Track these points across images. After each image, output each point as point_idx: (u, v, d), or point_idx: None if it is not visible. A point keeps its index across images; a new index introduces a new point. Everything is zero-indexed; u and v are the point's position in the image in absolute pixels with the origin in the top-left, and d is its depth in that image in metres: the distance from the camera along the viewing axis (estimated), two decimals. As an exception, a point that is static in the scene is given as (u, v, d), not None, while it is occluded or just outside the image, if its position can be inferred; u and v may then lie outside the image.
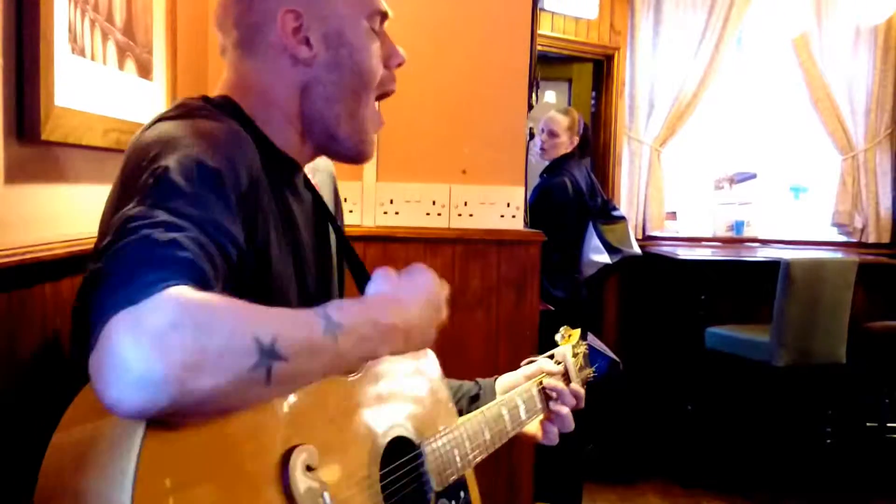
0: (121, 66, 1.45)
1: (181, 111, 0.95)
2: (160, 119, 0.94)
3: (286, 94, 1.04)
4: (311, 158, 1.11)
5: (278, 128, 1.04)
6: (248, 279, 0.86)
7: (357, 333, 0.82)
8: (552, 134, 3.65)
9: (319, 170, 1.21)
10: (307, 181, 1.13)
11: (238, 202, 0.85)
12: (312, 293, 1.07)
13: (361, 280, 1.19)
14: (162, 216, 0.75)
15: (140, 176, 0.82)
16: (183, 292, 0.69)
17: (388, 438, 1.03)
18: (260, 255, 0.92)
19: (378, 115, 1.11)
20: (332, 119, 1.06)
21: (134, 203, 0.78)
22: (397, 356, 1.13)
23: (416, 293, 0.93)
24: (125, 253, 0.72)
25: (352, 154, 1.09)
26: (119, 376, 0.64)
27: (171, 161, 0.81)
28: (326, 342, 0.78)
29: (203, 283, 0.73)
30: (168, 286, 0.69)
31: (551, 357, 1.44)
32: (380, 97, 1.11)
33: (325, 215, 1.15)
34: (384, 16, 1.09)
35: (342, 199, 1.32)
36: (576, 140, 3.70)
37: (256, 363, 0.70)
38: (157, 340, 0.65)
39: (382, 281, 0.93)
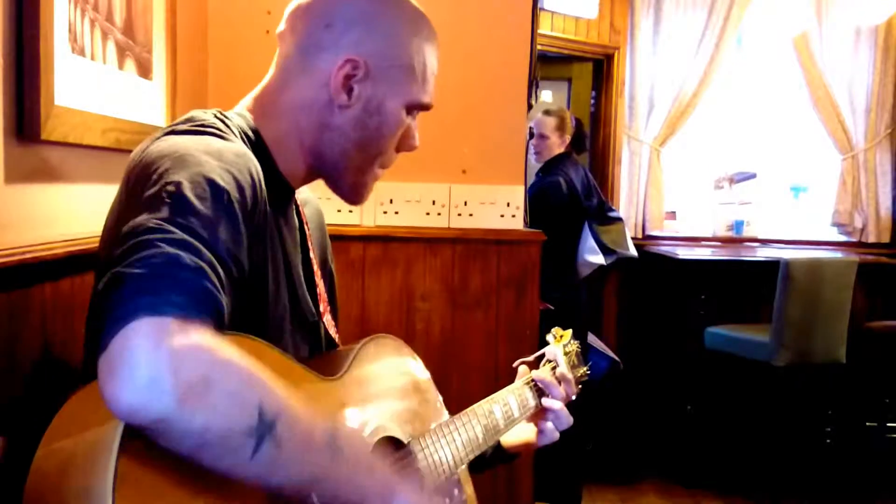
0: (120, 65, 1.45)
1: (191, 126, 0.95)
2: (170, 132, 0.94)
3: (308, 123, 1.05)
4: (306, 182, 1.13)
5: (288, 150, 1.05)
6: (244, 296, 0.87)
7: (350, 469, 0.81)
8: (541, 136, 3.64)
9: (309, 202, 1.23)
10: (297, 208, 1.15)
11: (243, 222, 0.86)
12: (306, 314, 1.08)
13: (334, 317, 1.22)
14: (181, 234, 0.76)
15: (150, 187, 0.82)
16: (208, 335, 0.70)
17: (376, 438, 1.03)
18: (256, 272, 0.93)
19: (380, 174, 1.13)
20: (340, 165, 1.08)
21: (148, 214, 0.78)
22: (382, 357, 1.13)
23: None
24: (151, 264, 0.72)
25: (346, 197, 1.12)
26: (128, 374, 0.66)
27: (182, 177, 0.82)
28: (323, 451, 0.78)
29: (219, 315, 0.74)
30: (194, 318, 0.70)
31: (542, 357, 1.45)
32: (381, 167, 1.13)
33: (305, 244, 1.16)
34: (424, 109, 1.11)
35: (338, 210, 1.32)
36: (567, 139, 3.69)
37: (252, 428, 0.70)
38: (175, 357, 0.67)
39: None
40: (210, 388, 0.68)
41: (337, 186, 1.11)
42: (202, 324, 0.71)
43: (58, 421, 0.80)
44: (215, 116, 1.00)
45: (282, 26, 1.08)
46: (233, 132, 0.99)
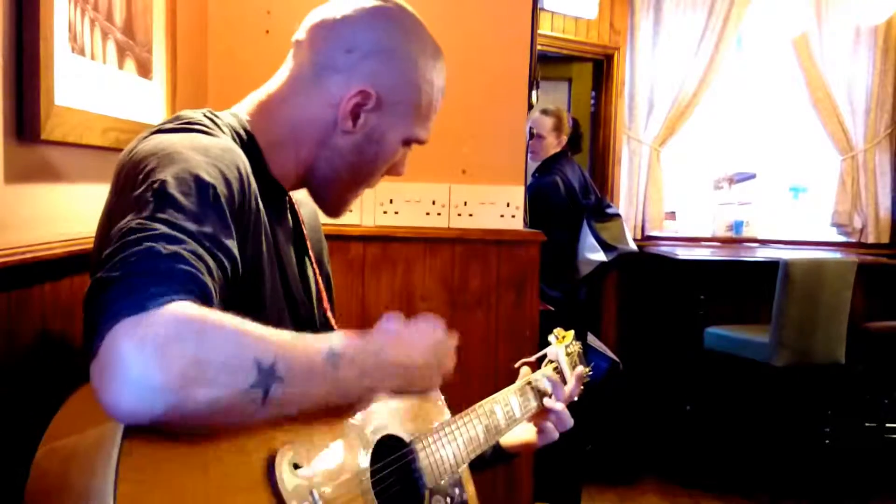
0: (120, 65, 1.45)
1: (178, 124, 0.96)
2: (157, 131, 0.95)
3: (308, 137, 1.06)
4: (297, 188, 1.14)
5: (282, 156, 1.06)
6: (241, 292, 0.87)
7: (358, 365, 0.85)
8: (538, 136, 3.64)
9: (304, 203, 1.23)
10: (291, 206, 1.16)
11: (231, 217, 0.86)
12: (301, 311, 1.09)
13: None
14: (162, 229, 0.76)
15: (136, 188, 0.83)
16: (187, 308, 0.71)
17: (378, 436, 1.04)
18: (250, 267, 0.94)
19: (361, 193, 1.15)
20: (329, 182, 1.10)
21: (133, 215, 0.79)
22: None
23: (421, 338, 0.98)
24: (129, 263, 0.73)
25: (326, 211, 1.15)
26: (119, 380, 0.66)
27: (167, 175, 0.82)
28: (327, 369, 0.80)
29: (204, 297, 0.75)
30: (173, 300, 0.70)
31: (543, 357, 1.45)
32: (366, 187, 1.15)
33: (303, 243, 1.17)
34: (420, 143, 1.13)
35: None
36: (564, 139, 3.69)
37: (255, 382, 0.72)
38: (160, 349, 0.67)
39: (390, 323, 0.97)
40: (203, 366, 0.69)
41: (320, 199, 1.13)
42: (180, 301, 0.71)
43: (58, 420, 0.80)
44: (204, 115, 1.01)
45: (301, 35, 1.08)
46: (221, 130, 0.99)
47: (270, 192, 1.04)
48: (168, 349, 0.67)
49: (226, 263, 0.81)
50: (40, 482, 0.77)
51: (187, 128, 0.95)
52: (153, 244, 0.74)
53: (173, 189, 0.81)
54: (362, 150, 1.07)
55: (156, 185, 0.81)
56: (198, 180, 0.83)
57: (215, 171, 0.87)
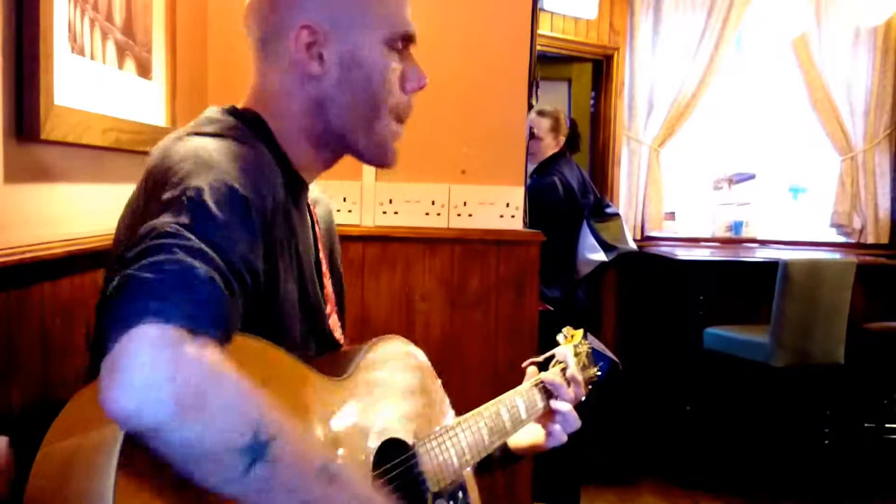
0: (120, 65, 1.45)
1: (215, 128, 0.95)
2: (193, 133, 0.94)
3: (300, 108, 1.04)
4: (326, 167, 1.11)
5: (292, 140, 1.04)
6: (258, 300, 0.86)
7: (347, 493, 0.78)
8: (535, 137, 3.64)
9: (321, 202, 1.22)
10: (308, 207, 1.14)
11: (261, 228, 0.86)
12: (317, 319, 1.08)
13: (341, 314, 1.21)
14: (195, 242, 0.76)
15: (170, 189, 0.82)
16: (211, 348, 0.70)
17: (381, 440, 1.03)
18: (270, 276, 0.93)
19: (398, 128, 1.08)
20: (348, 134, 1.05)
21: (168, 217, 0.78)
22: (389, 358, 1.13)
23: None
24: (163, 270, 0.72)
25: (374, 163, 1.10)
26: (127, 377, 0.66)
27: (203, 182, 0.82)
28: (318, 479, 0.75)
29: (227, 328, 0.74)
30: (205, 331, 0.70)
31: (552, 357, 1.43)
32: (397, 119, 1.08)
33: (316, 244, 1.15)
34: (407, 38, 1.07)
35: (342, 199, 1.32)
36: (561, 140, 3.69)
37: (246, 446, 0.69)
38: (174, 365, 0.66)
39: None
40: (207, 400, 0.67)
41: (357, 154, 1.08)
42: (208, 337, 0.71)
43: (59, 422, 0.79)
44: (234, 116, 1.00)
45: (246, 34, 1.07)
46: (251, 132, 0.99)
47: (293, 188, 1.03)
48: (181, 369, 0.66)
49: (248, 279, 0.81)
50: (40, 485, 0.77)
51: (223, 133, 0.94)
52: (192, 261, 0.73)
53: (209, 199, 0.80)
54: (348, 82, 1.02)
55: (191, 192, 0.80)
56: (233, 192, 0.83)
57: (249, 182, 0.86)
